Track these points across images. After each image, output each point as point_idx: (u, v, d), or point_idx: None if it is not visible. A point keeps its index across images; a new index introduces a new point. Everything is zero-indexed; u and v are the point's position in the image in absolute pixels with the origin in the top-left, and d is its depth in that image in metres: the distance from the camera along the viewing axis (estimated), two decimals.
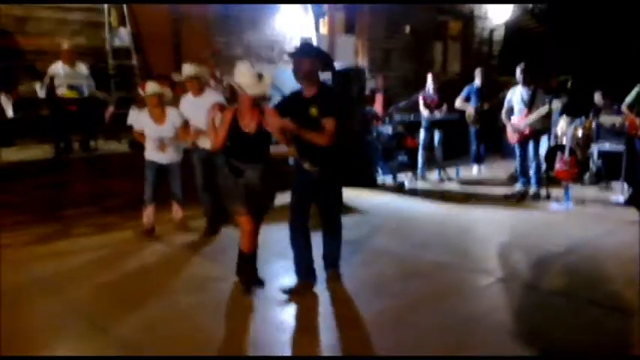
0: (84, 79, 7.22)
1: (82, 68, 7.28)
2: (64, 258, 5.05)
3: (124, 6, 8.17)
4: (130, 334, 3.52)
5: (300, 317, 3.82)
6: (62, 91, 6.93)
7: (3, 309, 3.82)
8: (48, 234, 5.79)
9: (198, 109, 5.28)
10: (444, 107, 8.96)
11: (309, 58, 3.94)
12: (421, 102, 9.01)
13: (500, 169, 9.68)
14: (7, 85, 7.02)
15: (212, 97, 5.49)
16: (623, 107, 7.81)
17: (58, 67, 7.02)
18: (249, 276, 4.22)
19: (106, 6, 8.08)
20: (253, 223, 4.12)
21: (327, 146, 3.89)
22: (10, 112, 6.80)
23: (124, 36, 8.17)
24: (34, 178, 6.29)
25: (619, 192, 7.45)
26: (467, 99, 9.27)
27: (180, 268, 4.81)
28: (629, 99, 7.25)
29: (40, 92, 6.91)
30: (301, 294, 4.11)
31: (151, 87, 5.54)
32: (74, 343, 3.46)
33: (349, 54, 10.97)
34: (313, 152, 3.95)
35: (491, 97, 9.27)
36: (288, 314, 3.85)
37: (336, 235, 4.31)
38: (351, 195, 7.63)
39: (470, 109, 9.16)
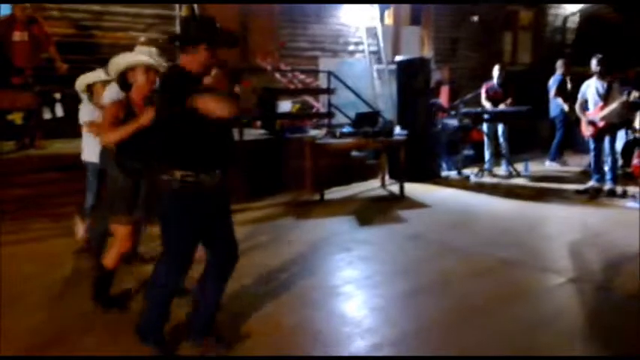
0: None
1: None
2: None
3: None
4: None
5: (359, 312, 3.82)
6: None
7: (42, 301, 3.90)
8: None
9: None
10: (509, 100, 8.66)
11: None
12: (483, 94, 8.76)
13: (572, 164, 9.32)
14: None
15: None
16: None
17: None
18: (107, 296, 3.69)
19: None
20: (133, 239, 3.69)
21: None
22: None
23: None
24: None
25: None
26: (559, 91, 9.07)
27: None
28: None
29: None
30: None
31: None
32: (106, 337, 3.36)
33: (414, 45, 10.84)
34: None
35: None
36: (347, 308, 3.86)
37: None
38: (414, 188, 7.58)
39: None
